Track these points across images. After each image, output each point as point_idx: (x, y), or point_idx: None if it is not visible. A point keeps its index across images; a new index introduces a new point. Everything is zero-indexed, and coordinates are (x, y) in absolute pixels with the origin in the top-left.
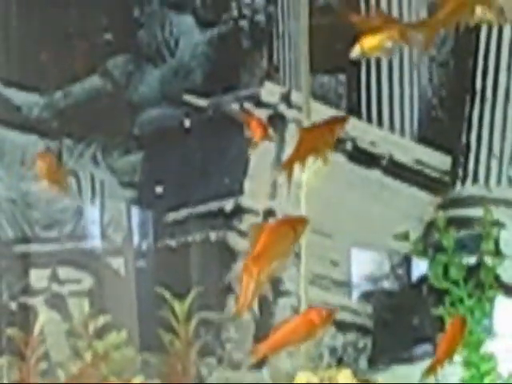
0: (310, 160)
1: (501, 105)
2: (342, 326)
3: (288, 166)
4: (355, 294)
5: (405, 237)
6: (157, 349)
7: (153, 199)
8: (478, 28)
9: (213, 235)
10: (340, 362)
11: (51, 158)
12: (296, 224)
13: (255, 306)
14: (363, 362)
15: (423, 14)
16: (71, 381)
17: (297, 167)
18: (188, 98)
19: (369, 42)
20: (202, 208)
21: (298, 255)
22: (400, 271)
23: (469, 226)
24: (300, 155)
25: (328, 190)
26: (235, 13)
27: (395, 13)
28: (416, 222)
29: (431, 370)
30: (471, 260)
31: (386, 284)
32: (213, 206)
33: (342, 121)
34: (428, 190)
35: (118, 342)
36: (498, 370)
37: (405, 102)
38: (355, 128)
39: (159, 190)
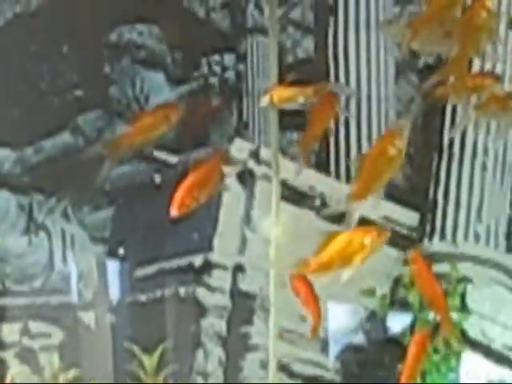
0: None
1: (468, 161)
2: (309, 381)
3: (305, 145)
4: (325, 349)
5: (371, 293)
6: None
7: (123, 255)
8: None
9: (182, 290)
10: None
11: None
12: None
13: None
14: None
15: None
16: None
17: (267, 223)
18: (158, 154)
19: (279, 94)
20: (171, 263)
21: (266, 310)
22: (368, 326)
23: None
24: (315, 131)
25: (297, 246)
26: (205, 70)
27: None
28: (384, 278)
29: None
30: (438, 316)
31: (355, 339)
32: (182, 261)
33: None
34: (396, 246)
35: None
36: None
37: None
38: (324, 184)
39: (121, 252)
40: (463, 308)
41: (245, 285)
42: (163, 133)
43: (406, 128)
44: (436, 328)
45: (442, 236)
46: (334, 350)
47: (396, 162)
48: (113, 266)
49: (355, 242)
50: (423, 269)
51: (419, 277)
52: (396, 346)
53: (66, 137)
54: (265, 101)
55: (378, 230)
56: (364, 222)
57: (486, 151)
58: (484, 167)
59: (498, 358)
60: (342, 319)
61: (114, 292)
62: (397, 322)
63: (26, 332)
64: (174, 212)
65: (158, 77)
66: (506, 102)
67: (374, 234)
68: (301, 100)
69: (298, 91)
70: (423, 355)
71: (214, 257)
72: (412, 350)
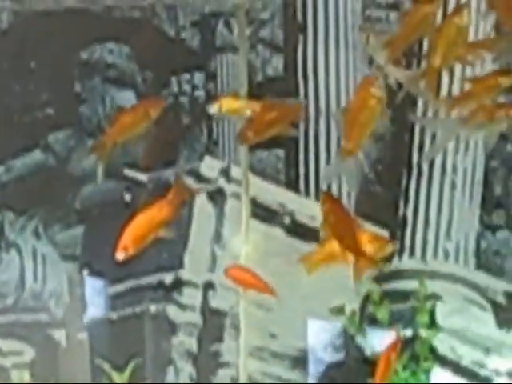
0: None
1: (437, 179)
2: None
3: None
4: (295, 366)
5: (340, 310)
6: None
7: (93, 273)
8: (414, 101)
9: (153, 308)
10: None
11: None
12: None
13: None
14: None
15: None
16: None
17: (237, 241)
18: (129, 172)
19: (228, 104)
20: (142, 281)
21: (237, 328)
22: (338, 343)
23: (405, 299)
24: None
25: (267, 264)
26: (175, 89)
27: None
28: (353, 294)
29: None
30: (407, 332)
31: (324, 355)
32: (153, 279)
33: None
34: None
35: None
36: None
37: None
38: (293, 202)
39: (85, 272)
40: (432, 325)
41: (215, 302)
42: (145, 128)
43: (379, 76)
44: (405, 344)
45: (412, 253)
46: (312, 366)
47: (377, 111)
48: (84, 284)
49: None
50: (334, 207)
51: (330, 216)
52: (363, 362)
53: (36, 155)
54: (213, 109)
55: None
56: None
57: (455, 169)
58: (453, 185)
59: (467, 374)
60: (320, 336)
61: (86, 309)
62: (368, 339)
63: None
64: (119, 256)
65: (129, 95)
66: (494, 112)
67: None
68: (248, 113)
69: (245, 104)
70: (394, 358)
71: (185, 274)
72: (384, 354)
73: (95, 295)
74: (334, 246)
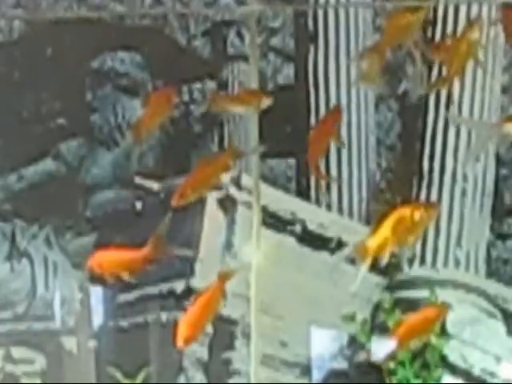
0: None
1: (447, 187)
2: None
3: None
4: (305, 374)
5: (352, 318)
6: None
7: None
8: (425, 112)
9: (164, 316)
10: None
11: None
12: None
13: None
14: None
15: None
16: None
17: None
18: (140, 180)
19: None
20: (153, 289)
21: (248, 336)
22: (348, 352)
23: (415, 307)
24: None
25: (278, 272)
26: (186, 97)
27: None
28: (364, 302)
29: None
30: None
31: (336, 364)
32: (164, 287)
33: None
34: (376, 271)
35: None
36: None
37: (353, 185)
38: (304, 211)
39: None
40: (443, 333)
41: (226, 310)
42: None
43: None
44: (415, 353)
45: (422, 261)
46: (316, 375)
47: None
48: (95, 292)
49: (407, 220)
50: None
51: None
52: (378, 371)
53: (48, 164)
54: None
55: (425, 206)
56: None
57: (465, 177)
58: (463, 193)
59: (478, 382)
60: (324, 344)
61: (97, 317)
62: (379, 348)
63: (8, 358)
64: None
65: (140, 104)
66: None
67: (423, 210)
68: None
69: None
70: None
71: (196, 282)
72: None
73: (104, 303)
74: (386, 232)
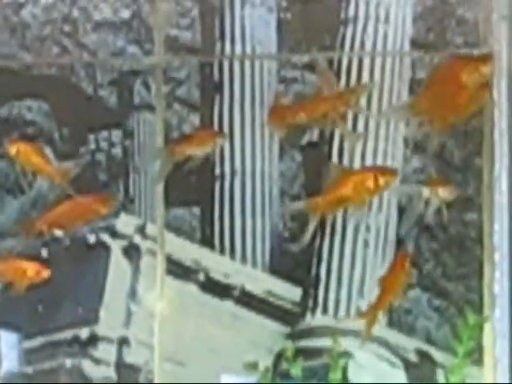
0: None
1: (350, 237)
2: None
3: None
4: None
5: (254, 366)
6: None
7: (8, 327)
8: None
9: (69, 362)
10: None
11: None
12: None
13: None
14: None
15: None
16: None
17: (152, 297)
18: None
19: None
20: (57, 335)
21: (151, 382)
22: None
23: (318, 356)
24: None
25: (181, 320)
26: (93, 146)
27: None
28: (266, 351)
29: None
30: None
31: None
32: (68, 333)
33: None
34: (279, 320)
35: None
36: None
37: (257, 234)
38: (208, 259)
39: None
40: (345, 381)
41: (130, 357)
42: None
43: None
44: None
45: (325, 310)
46: None
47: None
48: (5, 337)
49: (360, 183)
50: None
51: None
52: None
53: None
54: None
55: (384, 169)
56: (246, 295)
57: (368, 228)
58: (366, 244)
59: None
60: None
61: (6, 363)
62: None
63: None
64: None
65: (46, 152)
66: None
67: (379, 174)
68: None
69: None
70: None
71: (100, 329)
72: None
73: (10, 349)
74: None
